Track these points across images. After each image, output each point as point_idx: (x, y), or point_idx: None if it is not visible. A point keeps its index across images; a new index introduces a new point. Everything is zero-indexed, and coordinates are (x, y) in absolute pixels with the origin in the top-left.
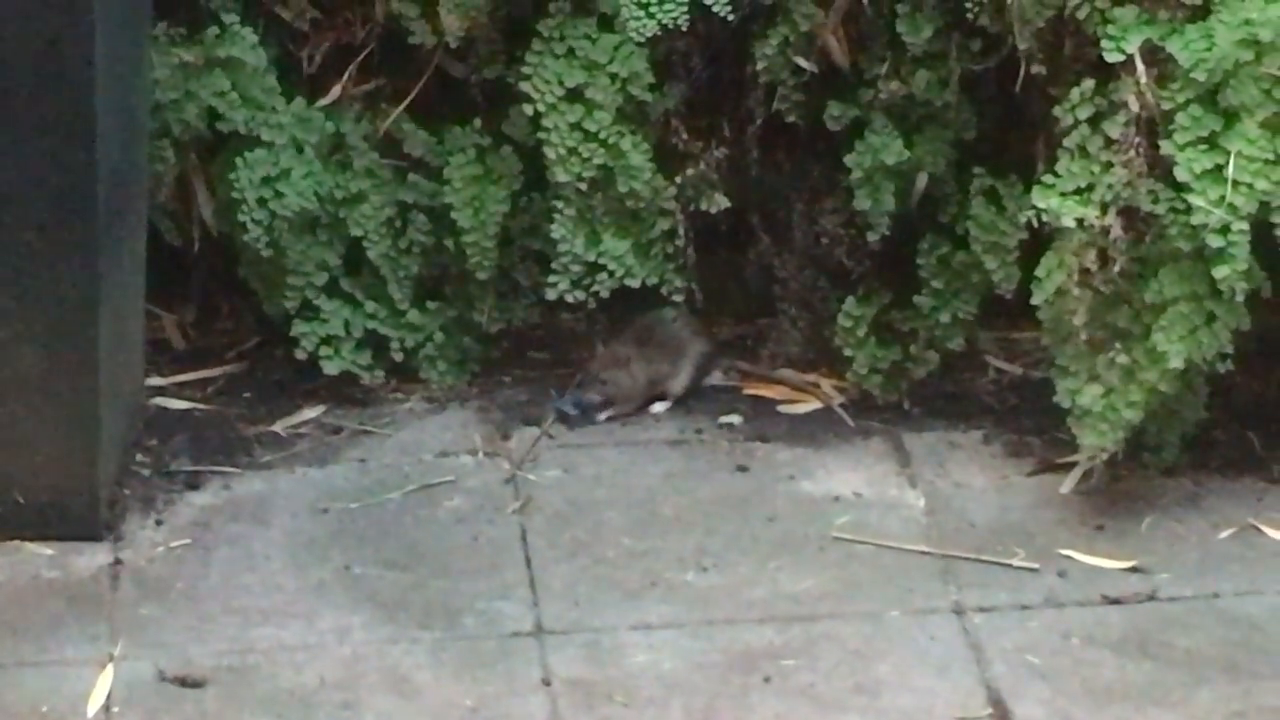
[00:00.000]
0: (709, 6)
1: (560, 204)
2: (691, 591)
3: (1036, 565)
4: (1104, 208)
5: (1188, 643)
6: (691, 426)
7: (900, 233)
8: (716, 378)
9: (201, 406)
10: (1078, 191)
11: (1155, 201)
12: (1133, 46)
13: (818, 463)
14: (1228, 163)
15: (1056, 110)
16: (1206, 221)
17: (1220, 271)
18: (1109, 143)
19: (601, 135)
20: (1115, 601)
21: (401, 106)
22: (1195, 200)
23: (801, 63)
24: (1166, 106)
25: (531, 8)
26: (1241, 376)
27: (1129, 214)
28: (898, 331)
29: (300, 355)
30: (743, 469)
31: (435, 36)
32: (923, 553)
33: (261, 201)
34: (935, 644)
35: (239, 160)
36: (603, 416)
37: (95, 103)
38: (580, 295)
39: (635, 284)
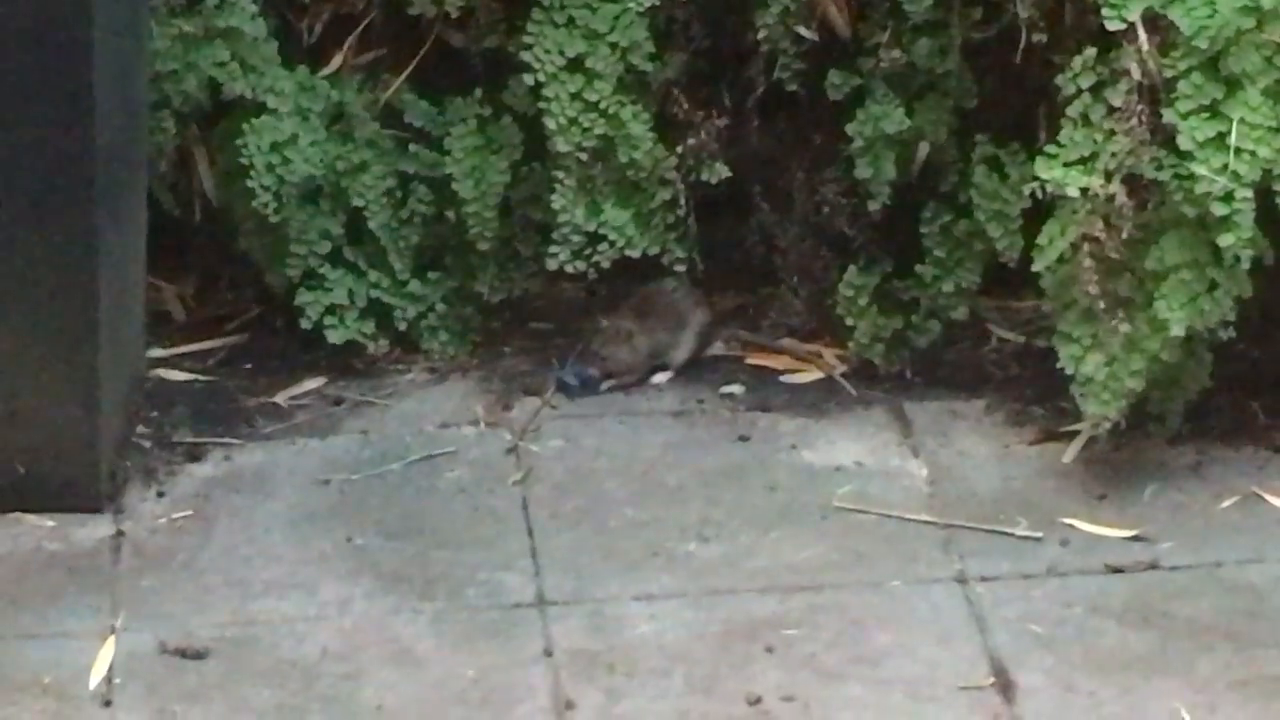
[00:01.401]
0: None
1: (561, 174)
2: (693, 562)
3: (1039, 534)
4: (1108, 176)
5: (1190, 611)
6: (693, 397)
7: (902, 201)
8: (718, 348)
9: (202, 378)
10: (1081, 161)
11: (1159, 168)
12: (1134, 14)
13: (819, 432)
14: (1230, 130)
15: (1059, 79)
16: (1210, 190)
17: (1225, 239)
18: (1111, 111)
19: (602, 105)
20: (1118, 570)
21: (402, 77)
22: (1198, 169)
23: (802, 31)
24: (1168, 74)
25: None
26: (1243, 345)
27: (1132, 181)
28: (900, 301)
29: (305, 324)
30: (744, 439)
31: (435, 6)
32: (925, 522)
33: (270, 168)
34: (938, 613)
35: (246, 126)
36: (605, 387)
37: (94, 74)
38: (581, 265)
39: (636, 254)
